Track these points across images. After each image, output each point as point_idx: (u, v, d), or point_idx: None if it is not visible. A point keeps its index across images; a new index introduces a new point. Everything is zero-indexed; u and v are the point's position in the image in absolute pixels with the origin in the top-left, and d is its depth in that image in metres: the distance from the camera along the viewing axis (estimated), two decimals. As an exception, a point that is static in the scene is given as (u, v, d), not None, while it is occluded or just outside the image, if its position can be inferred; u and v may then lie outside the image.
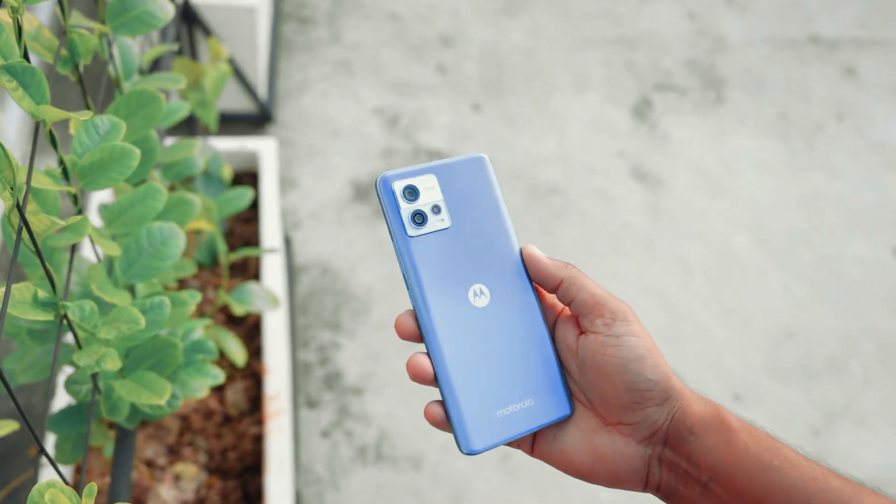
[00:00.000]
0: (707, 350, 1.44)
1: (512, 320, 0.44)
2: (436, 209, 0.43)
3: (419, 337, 0.42)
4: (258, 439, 1.05)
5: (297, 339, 1.40)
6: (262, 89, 1.68)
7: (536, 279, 0.44)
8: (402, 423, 1.31)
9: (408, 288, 0.42)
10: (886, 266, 1.59)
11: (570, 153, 1.74)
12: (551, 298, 0.45)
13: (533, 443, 0.44)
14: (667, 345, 1.44)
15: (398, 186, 0.43)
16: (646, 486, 0.41)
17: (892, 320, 1.50)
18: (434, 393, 1.38)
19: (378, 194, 0.43)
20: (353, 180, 1.65)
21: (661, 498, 0.42)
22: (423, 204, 0.43)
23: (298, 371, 1.37)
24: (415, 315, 0.42)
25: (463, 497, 1.25)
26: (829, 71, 1.96)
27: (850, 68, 1.96)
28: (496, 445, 0.42)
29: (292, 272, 1.48)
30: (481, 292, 0.43)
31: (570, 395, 0.44)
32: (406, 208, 0.43)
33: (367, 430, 1.31)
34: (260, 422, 1.07)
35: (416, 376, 0.42)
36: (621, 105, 1.84)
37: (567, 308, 0.44)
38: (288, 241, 1.48)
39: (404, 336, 0.42)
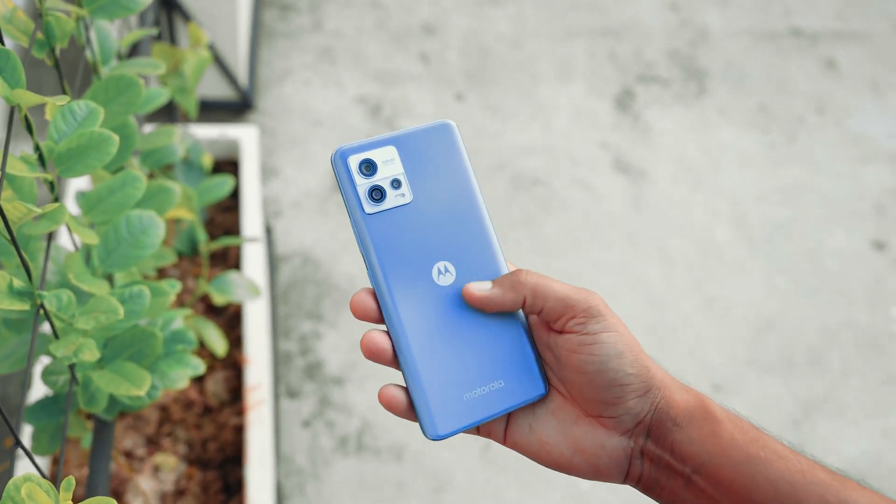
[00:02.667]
0: (688, 341, 1.45)
1: None
2: (395, 183, 0.41)
3: (378, 317, 0.40)
4: (239, 430, 1.05)
5: (278, 328, 1.40)
6: (242, 77, 1.66)
7: (497, 312, 0.41)
8: (384, 414, 1.31)
9: (367, 267, 0.40)
10: (865, 258, 1.60)
11: (554, 144, 1.74)
12: None
13: (506, 431, 0.42)
14: (648, 336, 1.45)
15: (354, 161, 0.40)
16: (626, 478, 0.41)
17: (870, 312, 1.52)
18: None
19: (334, 170, 0.41)
20: (335, 169, 1.64)
21: (642, 490, 0.41)
22: (381, 178, 0.40)
23: (279, 361, 1.36)
24: (373, 294, 0.40)
25: (445, 487, 1.25)
26: (810, 64, 1.97)
27: (829, 61, 1.98)
28: (463, 429, 0.40)
29: (273, 262, 1.47)
30: (446, 270, 0.41)
31: (545, 376, 0.42)
32: (362, 184, 0.40)
33: (349, 420, 1.30)
34: (240, 412, 1.06)
35: (372, 354, 0.40)
36: (605, 96, 1.85)
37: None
38: (269, 231, 1.47)
39: (361, 315, 0.40)
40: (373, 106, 1.77)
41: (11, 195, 0.52)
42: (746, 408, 1.36)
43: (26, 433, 0.83)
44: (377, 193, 0.40)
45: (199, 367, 0.67)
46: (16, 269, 0.61)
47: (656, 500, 0.41)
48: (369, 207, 0.40)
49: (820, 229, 1.64)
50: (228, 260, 1.23)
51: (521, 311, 0.42)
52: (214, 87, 1.64)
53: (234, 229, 1.24)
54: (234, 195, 1.28)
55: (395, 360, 0.40)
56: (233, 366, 1.12)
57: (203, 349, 1.09)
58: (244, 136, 1.29)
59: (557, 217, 1.62)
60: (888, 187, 1.73)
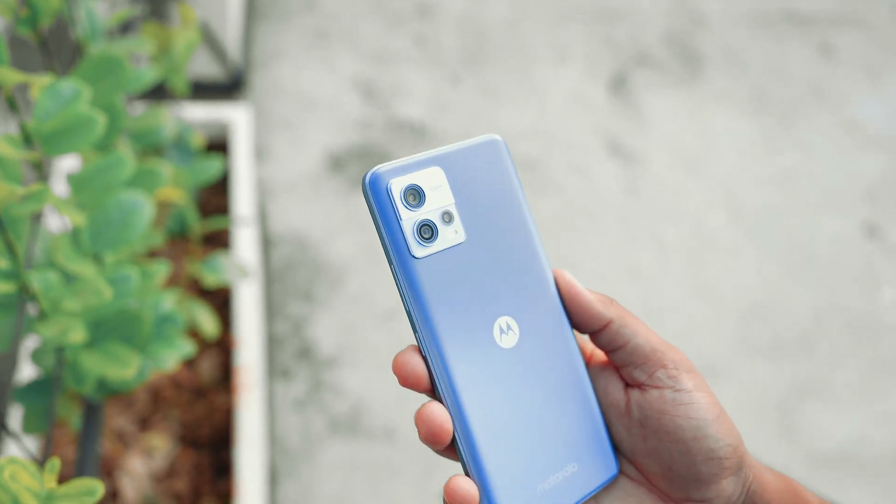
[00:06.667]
0: (680, 325, 1.46)
1: (547, 362, 0.34)
2: (447, 217, 0.33)
3: (428, 386, 0.32)
4: (230, 411, 1.05)
5: (270, 310, 1.39)
6: (235, 57, 1.65)
7: (575, 317, 0.35)
8: (377, 396, 1.31)
9: (412, 324, 0.32)
10: (857, 245, 1.61)
11: (549, 128, 1.74)
12: (578, 338, 0.37)
13: None
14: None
15: (397, 186, 0.32)
16: None
17: (860, 298, 1.52)
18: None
19: (367, 197, 0.32)
20: (329, 152, 1.64)
21: None
22: (430, 210, 0.32)
23: (272, 343, 1.36)
24: (421, 354, 0.32)
25: (436, 469, 1.25)
26: (807, 49, 1.96)
27: (826, 47, 1.97)
28: None
29: (267, 243, 1.47)
30: (508, 327, 0.33)
31: (615, 451, 0.35)
32: (409, 218, 0.32)
33: (342, 402, 1.30)
34: (232, 393, 1.06)
35: (432, 436, 0.31)
36: (601, 80, 1.84)
37: (596, 352, 0.37)
38: (262, 212, 1.46)
39: (408, 383, 0.32)
40: (367, 88, 1.76)
41: (-3, 175, 0.51)
42: (737, 392, 1.37)
43: (17, 414, 0.83)
44: (427, 231, 0.32)
45: (189, 348, 0.67)
46: (3, 250, 0.60)
47: None
48: (418, 249, 0.32)
49: (813, 215, 1.65)
50: (222, 242, 1.22)
51: (589, 380, 0.36)
52: (207, 68, 1.63)
53: (227, 210, 1.24)
54: (228, 176, 1.27)
55: (453, 446, 0.32)
56: (225, 347, 1.12)
57: (195, 330, 1.09)
58: (236, 117, 1.28)
59: (551, 201, 1.61)
60: (882, 173, 1.73)
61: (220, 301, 1.16)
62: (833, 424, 1.36)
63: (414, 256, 0.32)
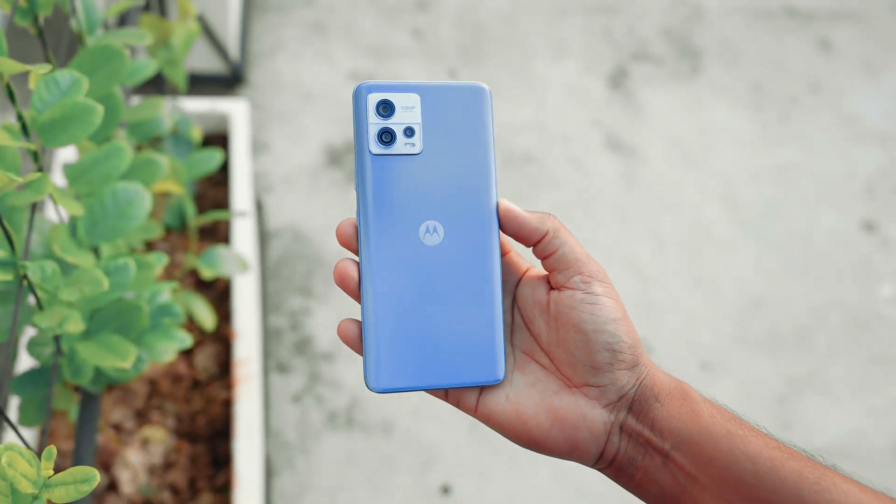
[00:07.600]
0: (677, 320, 1.46)
1: (461, 267, 0.40)
2: (408, 131, 0.40)
3: (356, 248, 0.40)
4: (227, 404, 1.05)
5: (268, 304, 1.40)
6: (233, 50, 1.64)
7: (517, 235, 0.41)
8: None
9: (357, 204, 0.40)
10: (854, 239, 1.61)
11: (547, 121, 1.74)
12: (517, 256, 0.43)
13: (478, 400, 0.41)
14: (638, 314, 1.46)
15: (373, 99, 0.40)
16: (599, 459, 0.40)
17: (858, 292, 1.53)
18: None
19: (353, 102, 0.40)
20: (326, 145, 1.63)
21: (612, 474, 0.41)
22: (395, 123, 0.40)
23: (269, 336, 1.36)
24: (357, 228, 0.40)
25: (433, 462, 1.26)
26: (805, 43, 1.96)
27: (824, 41, 1.97)
28: (407, 390, 0.39)
29: (264, 237, 1.47)
30: (434, 230, 0.40)
31: (505, 361, 0.41)
32: (375, 123, 0.40)
33: (338, 395, 1.31)
34: (229, 386, 1.06)
35: (341, 280, 0.39)
36: (599, 74, 1.84)
37: (533, 268, 0.43)
38: (259, 206, 1.46)
39: (342, 241, 0.40)
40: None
41: (-6, 165, 0.51)
42: (733, 386, 1.37)
43: (14, 405, 0.83)
44: (387, 136, 0.40)
45: (186, 340, 0.67)
46: (1, 240, 0.60)
47: (626, 485, 0.40)
48: (376, 148, 0.40)
49: (810, 209, 1.65)
50: (218, 235, 1.22)
51: (500, 293, 0.41)
52: (205, 61, 1.62)
53: (224, 204, 1.24)
54: (225, 169, 1.27)
55: (359, 295, 0.40)
56: (222, 340, 1.12)
57: (192, 323, 1.09)
58: (234, 110, 1.28)
59: (549, 195, 1.61)
60: (879, 168, 1.73)
61: (218, 294, 1.17)
62: (830, 419, 1.36)
63: (370, 152, 0.39)
